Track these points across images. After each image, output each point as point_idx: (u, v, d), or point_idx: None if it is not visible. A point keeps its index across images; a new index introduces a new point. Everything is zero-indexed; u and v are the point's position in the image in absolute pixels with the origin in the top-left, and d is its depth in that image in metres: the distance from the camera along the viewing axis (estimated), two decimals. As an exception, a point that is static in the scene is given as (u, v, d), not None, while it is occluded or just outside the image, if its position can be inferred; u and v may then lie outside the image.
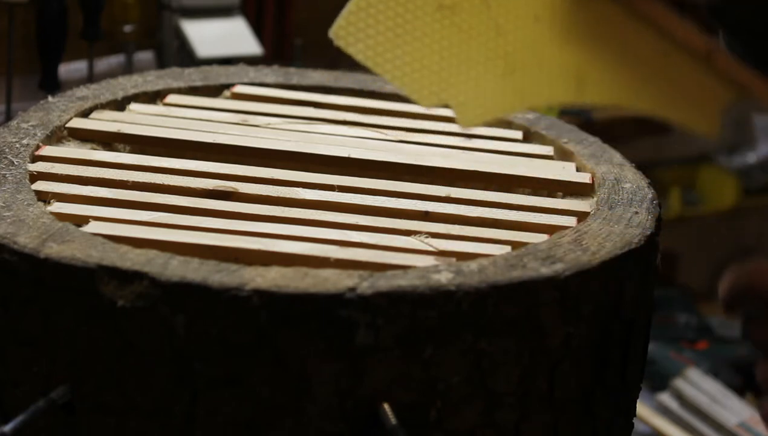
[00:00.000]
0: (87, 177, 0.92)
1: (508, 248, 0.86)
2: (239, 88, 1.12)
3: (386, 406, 0.78)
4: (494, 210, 0.92)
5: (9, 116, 1.62)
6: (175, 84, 1.10)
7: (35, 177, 0.91)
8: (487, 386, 0.80)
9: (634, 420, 0.95)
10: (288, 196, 0.92)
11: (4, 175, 0.90)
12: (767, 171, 2.65)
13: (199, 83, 1.11)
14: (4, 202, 0.86)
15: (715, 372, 2.10)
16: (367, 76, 1.13)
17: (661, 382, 2.07)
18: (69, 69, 1.75)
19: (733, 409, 2.00)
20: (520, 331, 0.80)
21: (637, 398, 0.94)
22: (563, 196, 0.98)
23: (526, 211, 0.93)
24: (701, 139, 2.59)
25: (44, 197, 0.89)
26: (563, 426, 0.85)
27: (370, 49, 0.79)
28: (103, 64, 1.78)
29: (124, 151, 1.01)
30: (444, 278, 0.79)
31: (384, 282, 0.78)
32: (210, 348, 0.77)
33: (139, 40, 1.77)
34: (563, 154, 1.04)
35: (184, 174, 0.94)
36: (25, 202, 0.87)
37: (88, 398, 0.80)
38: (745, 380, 2.13)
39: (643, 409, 1.97)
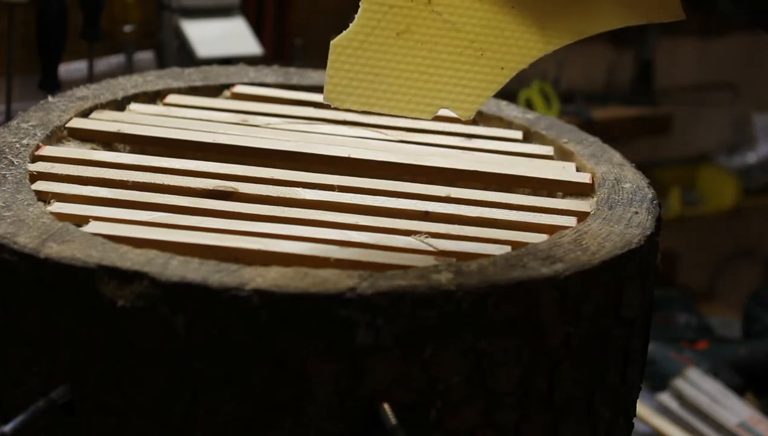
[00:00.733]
0: (87, 177, 0.92)
1: (508, 248, 0.86)
2: (239, 88, 1.12)
3: (386, 406, 0.78)
4: (494, 210, 0.92)
5: (9, 116, 1.62)
6: (175, 84, 1.10)
7: (35, 177, 0.91)
8: (487, 386, 0.81)
9: (634, 420, 0.95)
10: (288, 196, 0.92)
11: (4, 175, 0.90)
12: (767, 171, 2.65)
13: (199, 83, 1.11)
14: (4, 202, 0.86)
15: (715, 372, 2.10)
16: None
17: (661, 382, 2.06)
18: (69, 69, 1.74)
19: (733, 409, 2.00)
20: (520, 331, 0.80)
21: (637, 398, 0.94)
22: (563, 196, 0.98)
23: (526, 211, 0.93)
24: (700, 139, 2.60)
25: (44, 197, 0.89)
26: (563, 426, 0.85)
27: (361, 96, 0.88)
28: (103, 64, 1.78)
29: (124, 151, 1.01)
30: (444, 278, 0.79)
31: (384, 282, 0.78)
32: (210, 348, 0.77)
33: (139, 40, 1.77)
34: (563, 154, 1.04)
35: (184, 174, 0.94)
36: (25, 202, 0.87)
37: (88, 398, 0.80)
38: (745, 380, 2.13)
39: (643, 409, 1.97)
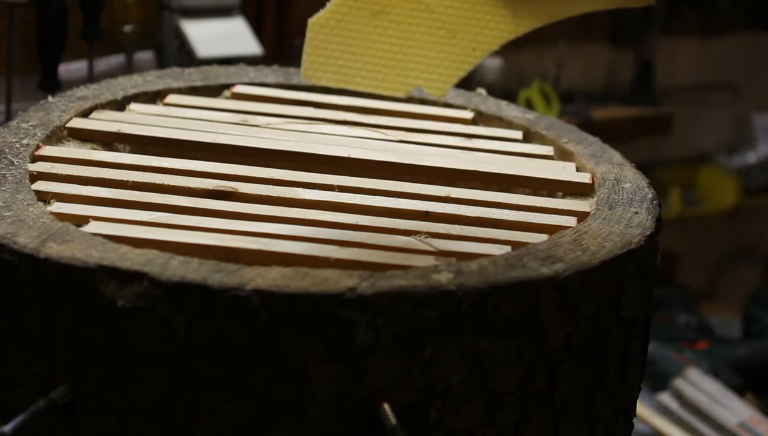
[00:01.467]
0: (87, 177, 0.92)
1: (508, 248, 0.86)
2: (239, 88, 1.12)
3: (386, 406, 0.78)
4: (494, 210, 0.92)
5: (9, 116, 1.62)
6: (175, 84, 1.10)
7: (35, 177, 0.91)
8: (487, 386, 0.80)
9: (634, 420, 0.95)
10: (288, 196, 0.92)
11: (4, 175, 0.90)
12: (767, 171, 2.65)
13: (199, 83, 1.11)
14: (4, 202, 0.86)
15: (715, 372, 2.10)
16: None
17: (661, 382, 2.06)
18: (69, 69, 1.74)
19: (733, 409, 2.00)
20: (520, 331, 0.80)
21: (637, 398, 0.94)
22: (563, 196, 0.98)
23: (526, 211, 0.93)
24: (700, 139, 2.60)
25: (44, 197, 0.89)
26: (563, 426, 0.85)
27: (337, 73, 0.92)
28: (103, 64, 1.78)
29: (124, 151, 1.01)
30: (444, 278, 0.79)
31: (384, 282, 0.78)
32: (210, 348, 0.77)
33: (139, 40, 1.77)
34: (563, 154, 1.04)
35: (184, 174, 0.94)
36: (25, 202, 0.87)
37: (88, 398, 0.80)
38: (745, 380, 2.13)
39: (643, 409, 1.97)
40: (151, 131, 1.01)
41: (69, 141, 1.00)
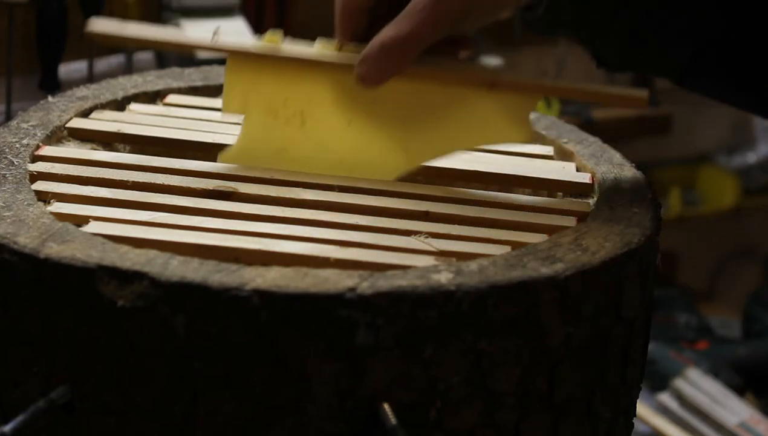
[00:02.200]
0: (87, 177, 0.92)
1: (508, 248, 0.86)
2: (239, 88, 1.12)
3: (386, 406, 0.78)
4: (494, 210, 0.92)
5: (9, 116, 1.62)
6: (175, 84, 1.10)
7: (35, 177, 0.91)
8: (487, 386, 0.80)
9: (634, 420, 0.95)
10: (288, 196, 0.92)
11: (4, 175, 0.90)
12: (767, 171, 2.65)
13: (199, 83, 1.11)
14: (4, 202, 0.86)
15: (715, 372, 2.10)
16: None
17: (661, 382, 2.07)
18: (69, 69, 1.74)
19: (733, 409, 2.00)
20: (520, 331, 0.80)
21: (637, 398, 0.94)
22: (563, 196, 0.98)
23: (526, 211, 0.92)
24: (700, 139, 2.59)
25: (44, 197, 0.89)
26: (563, 426, 0.85)
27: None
28: (103, 64, 1.78)
29: (124, 151, 1.01)
30: (444, 278, 0.79)
31: (384, 282, 0.78)
32: (210, 348, 0.77)
33: (139, 40, 1.77)
34: (563, 154, 1.04)
35: (184, 174, 0.94)
36: (25, 202, 0.87)
37: (88, 398, 0.80)
38: (745, 380, 2.13)
39: (643, 409, 1.97)
40: (151, 131, 1.01)
41: (69, 141, 1.00)
